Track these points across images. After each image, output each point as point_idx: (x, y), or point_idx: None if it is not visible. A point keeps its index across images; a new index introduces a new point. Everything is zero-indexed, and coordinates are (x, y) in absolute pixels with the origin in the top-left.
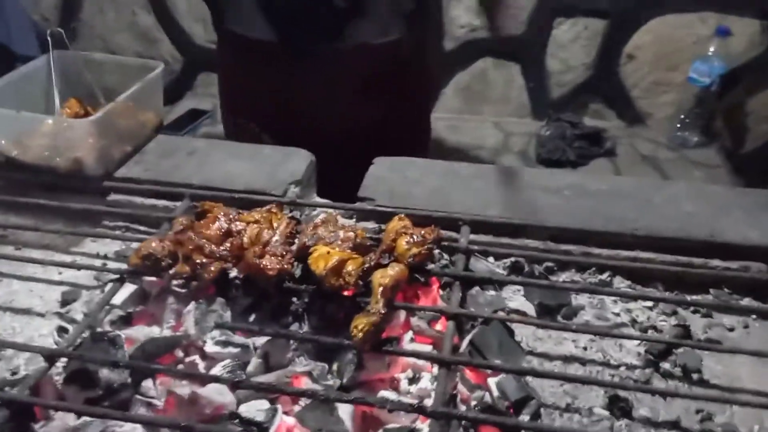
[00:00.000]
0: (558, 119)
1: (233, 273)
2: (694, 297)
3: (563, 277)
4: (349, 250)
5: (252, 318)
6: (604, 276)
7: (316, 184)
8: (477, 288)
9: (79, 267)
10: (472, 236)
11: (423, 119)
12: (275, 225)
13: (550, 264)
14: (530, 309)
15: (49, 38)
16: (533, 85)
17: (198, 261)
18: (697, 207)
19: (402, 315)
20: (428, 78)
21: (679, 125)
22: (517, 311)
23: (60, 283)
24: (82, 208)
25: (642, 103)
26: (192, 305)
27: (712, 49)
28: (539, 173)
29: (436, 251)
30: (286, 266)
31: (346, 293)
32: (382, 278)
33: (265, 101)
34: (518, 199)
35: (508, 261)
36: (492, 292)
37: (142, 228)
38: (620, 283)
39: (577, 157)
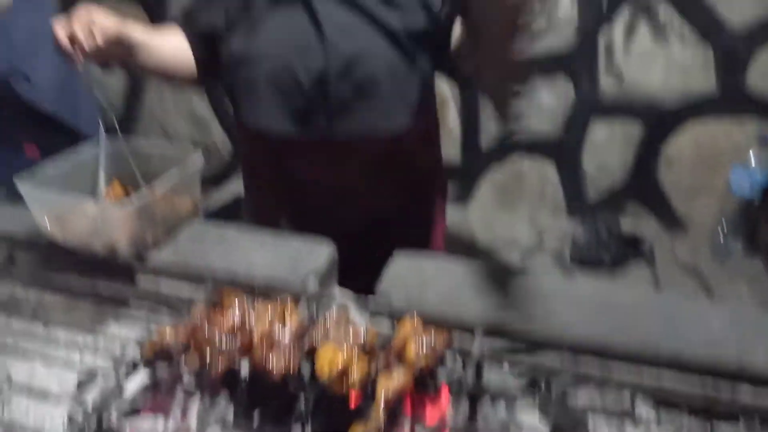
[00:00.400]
0: (594, 220)
1: (242, 367)
2: (723, 426)
3: (581, 393)
4: (358, 351)
5: (255, 416)
6: (625, 395)
7: (336, 274)
8: (488, 400)
9: (99, 350)
10: (488, 342)
11: (436, 210)
12: (287, 320)
13: (567, 380)
14: (544, 428)
15: (100, 123)
16: (569, 184)
17: (208, 354)
18: (727, 329)
19: (406, 426)
20: (435, 168)
21: (721, 234)
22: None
23: (79, 364)
24: (111, 289)
25: (682, 208)
26: (197, 398)
27: (752, 157)
28: (562, 280)
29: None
30: (291, 367)
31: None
32: (385, 388)
33: (281, 189)
34: (538, 306)
35: (523, 369)
36: (504, 405)
37: (165, 312)
38: (642, 405)
39: (612, 261)
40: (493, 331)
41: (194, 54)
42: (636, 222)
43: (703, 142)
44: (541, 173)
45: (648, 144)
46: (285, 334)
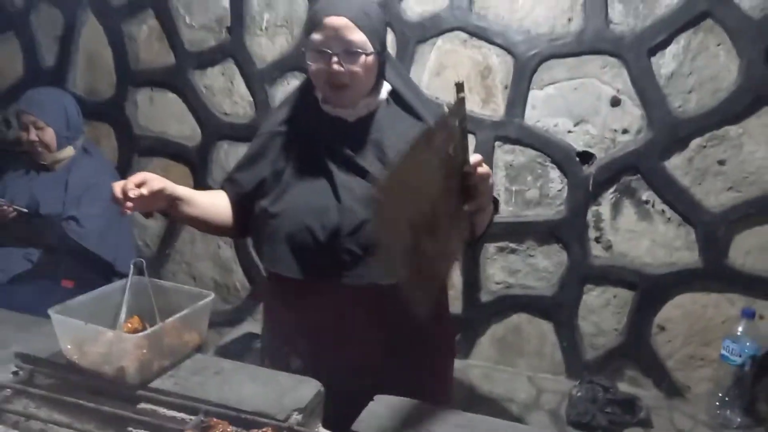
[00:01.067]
0: (591, 381)
1: None
2: None
3: None
4: None
5: None
6: None
7: (322, 413)
8: None
9: None
10: None
11: (438, 368)
12: None
13: None
14: None
15: (132, 266)
16: (566, 345)
17: None
18: None
19: None
20: (441, 317)
21: (718, 403)
22: None
23: None
24: (113, 412)
25: (678, 375)
26: None
27: (740, 329)
28: None
29: None
30: None
31: None
32: None
33: (292, 329)
34: None
35: None
36: None
37: None
38: None
39: (608, 424)
40: None
41: (233, 210)
42: (634, 385)
43: (692, 312)
44: (540, 332)
45: (640, 311)
46: None
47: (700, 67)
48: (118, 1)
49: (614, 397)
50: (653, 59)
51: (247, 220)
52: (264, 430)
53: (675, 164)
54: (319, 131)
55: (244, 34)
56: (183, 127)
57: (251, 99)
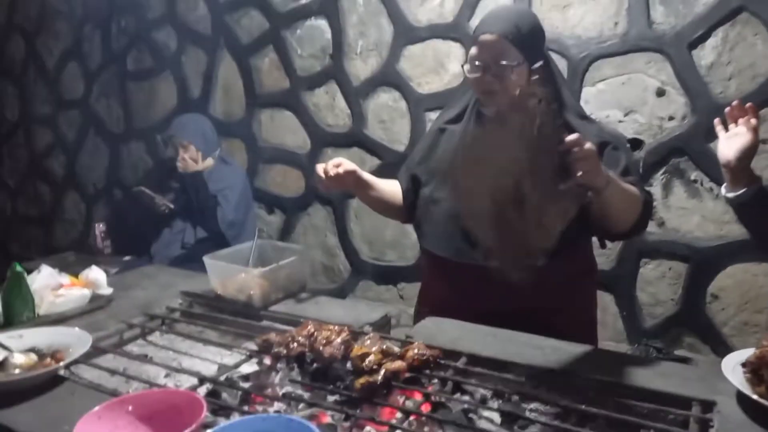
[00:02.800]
0: (646, 344)
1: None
2: None
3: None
4: (377, 350)
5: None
6: None
7: (390, 329)
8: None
9: (233, 350)
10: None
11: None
12: (340, 335)
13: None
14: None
15: (257, 232)
16: (626, 314)
17: (291, 345)
18: None
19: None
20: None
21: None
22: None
23: (221, 360)
24: (246, 323)
25: (734, 341)
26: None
27: None
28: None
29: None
30: (335, 353)
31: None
32: (386, 367)
33: (441, 303)
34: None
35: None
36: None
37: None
38: None
39: None
40: (472, 356)
41: (403, 197)
42: (693, 351)
43: (744, 281)
44: (602, 303)
45: (694, 282)
46: (338, 340)
47: (738, 56)
48: (246, 39)
49: (667, 357)
50: (694, 52)
51: (413, 206)
52: (340, 327)
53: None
54: (477, 127)
55: (343, 58)
56: (296, 138)
57: (349, 111)
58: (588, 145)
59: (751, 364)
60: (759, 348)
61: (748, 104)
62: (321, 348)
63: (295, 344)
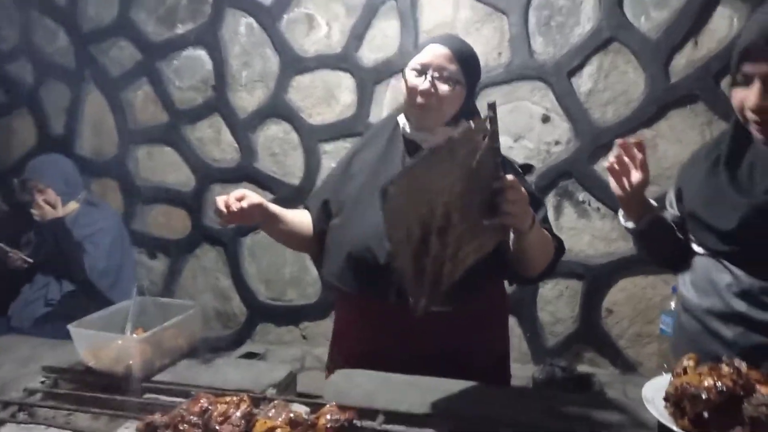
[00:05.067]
0: (551, 364)
1: None
2: None
3: None
4: (285, 426)
5: None
6: None
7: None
8: None
9: None
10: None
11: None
12: (240, 407)
13: None
14: None
15: (135, 288)
16: (530, 335)
17: (181, 427)
18: None
19: None
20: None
21: (664, 374)
22: None
23: None
24: (124, 400)
25: (630, 352)
26: None
27: (673, 304)
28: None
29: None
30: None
31: None
32: None
33: (351, 336)
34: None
35: None
36: None
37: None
38: None
39: None
40: (391, 413)
41: (314, 226)
42: (593, 366)
43: (634, 294)
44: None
45: (589, 298)
46: (237, 414)
47: (612, 83)
48: (116, 72)
49: (571, 376)
50: (573, 80)
51: (323, 237)
52: (240, 396)
53: (603, 167)
54: (394, 153)
55: (227, 90)
56: (179, 175)
57: (236, 145)
58: (522, 190)
59: (673, 396)
60: (675, 377)
61: (637, 140)
62: (218, 427)
63: (186, 425)
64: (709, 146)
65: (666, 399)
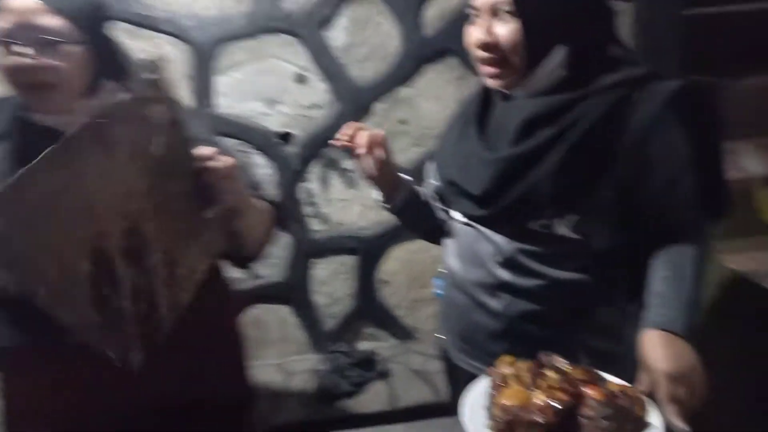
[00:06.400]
0: (333, 351)
1: None
2: None
3: None
4: None
5: None
6: None
7: None
8: None
9: None
10: None
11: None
12: None
13: None
14: None
15: None
16: (307, 322)
17: None
18: None
19: None
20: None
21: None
22: None
23: None
24: None
25: (408, 320)
26: None
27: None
28: None
29: None
30: None
31: None
32: None
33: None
34: None
35: None
36: None
37: None
38: None
39: (353, 386)
40: None
41: None
42: (374, 341)
43: (407, 261)
44: (279, 317)
45: (364, 272)
46: None
47: (369, 37)
48: None
49: (354, 360)
50: (326, 33)
51: None
52: None
53: None
54: (28, 147)
55: None
56: None
57: None
58: (227, 159)
59: (502, 422)
60: (496, 391)
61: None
62: None
63: None
64: (460, 108)
65: (496, 424)
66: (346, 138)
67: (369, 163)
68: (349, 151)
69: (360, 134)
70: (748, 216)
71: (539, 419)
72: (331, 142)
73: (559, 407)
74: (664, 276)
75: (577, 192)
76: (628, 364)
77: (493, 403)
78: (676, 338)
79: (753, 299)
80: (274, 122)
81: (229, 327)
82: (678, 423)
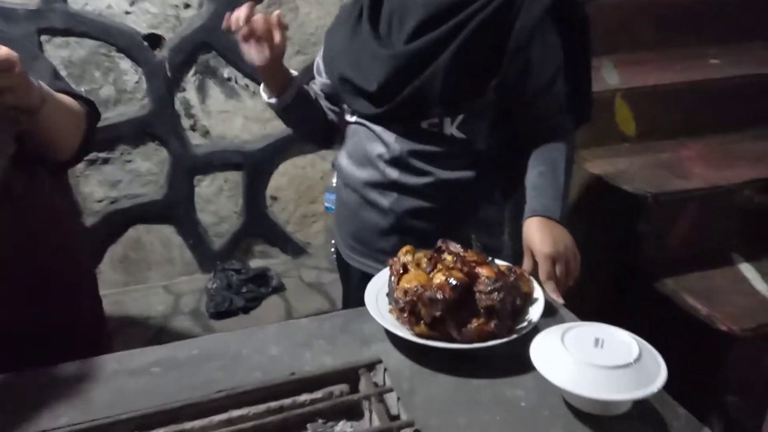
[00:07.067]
0: (223, 269)
1: None
2: None
3: None
4: None
5: None
6: None
7: None
8: None
9: None
10: None
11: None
12: None
13: None
14: None
15: None
16: (193, 242)
17: None
18: (281, 348)
19: None
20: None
21: (333, 249)
22: None
23: None
24: None
25: (299, 236)
26: None
27: (334, 180)
28: (125, 356)
29: None
30: None
31: None
32: None
33: None
34: (101, 392)
35: None
36: None
37: None
38: None
39: (246, 302)
40: None
41: None
42: (265, 258)
43: (295, 176)
44: (162, 238)
45: (252, 188)
46: None
47: None
48: None
49: (247, 276)
50: None
51: None
52: None
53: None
54: None
55: None
56: None
57: None
58: (2, 51)
59: (405, 302)
60: (396, 277)
61: (275, 14)
62: None
63: None
64: (351, 4)
65: (401, 309)
66: (240, 20)
67: (264, 51)
68: (239, 34)
69: (257, 16)
70: (607, 125)
71: (439, 296)
72: (224, 24)
73: (456, 284)
74: (541, 171)
75: (466, 90)
76: (508, 257)
77: (395, 288)
78: (554, 223)
79: (610, 198)
80: (139, 22)
81: (65, 247)
82: (556, 297)
